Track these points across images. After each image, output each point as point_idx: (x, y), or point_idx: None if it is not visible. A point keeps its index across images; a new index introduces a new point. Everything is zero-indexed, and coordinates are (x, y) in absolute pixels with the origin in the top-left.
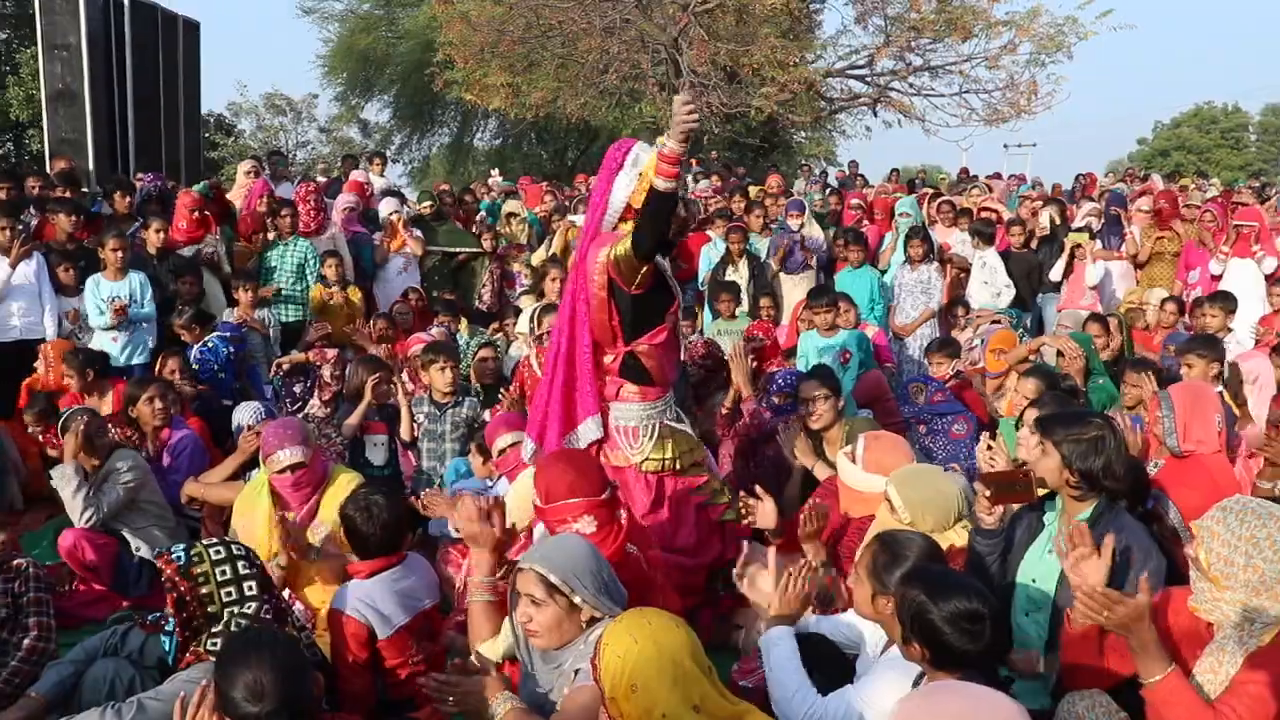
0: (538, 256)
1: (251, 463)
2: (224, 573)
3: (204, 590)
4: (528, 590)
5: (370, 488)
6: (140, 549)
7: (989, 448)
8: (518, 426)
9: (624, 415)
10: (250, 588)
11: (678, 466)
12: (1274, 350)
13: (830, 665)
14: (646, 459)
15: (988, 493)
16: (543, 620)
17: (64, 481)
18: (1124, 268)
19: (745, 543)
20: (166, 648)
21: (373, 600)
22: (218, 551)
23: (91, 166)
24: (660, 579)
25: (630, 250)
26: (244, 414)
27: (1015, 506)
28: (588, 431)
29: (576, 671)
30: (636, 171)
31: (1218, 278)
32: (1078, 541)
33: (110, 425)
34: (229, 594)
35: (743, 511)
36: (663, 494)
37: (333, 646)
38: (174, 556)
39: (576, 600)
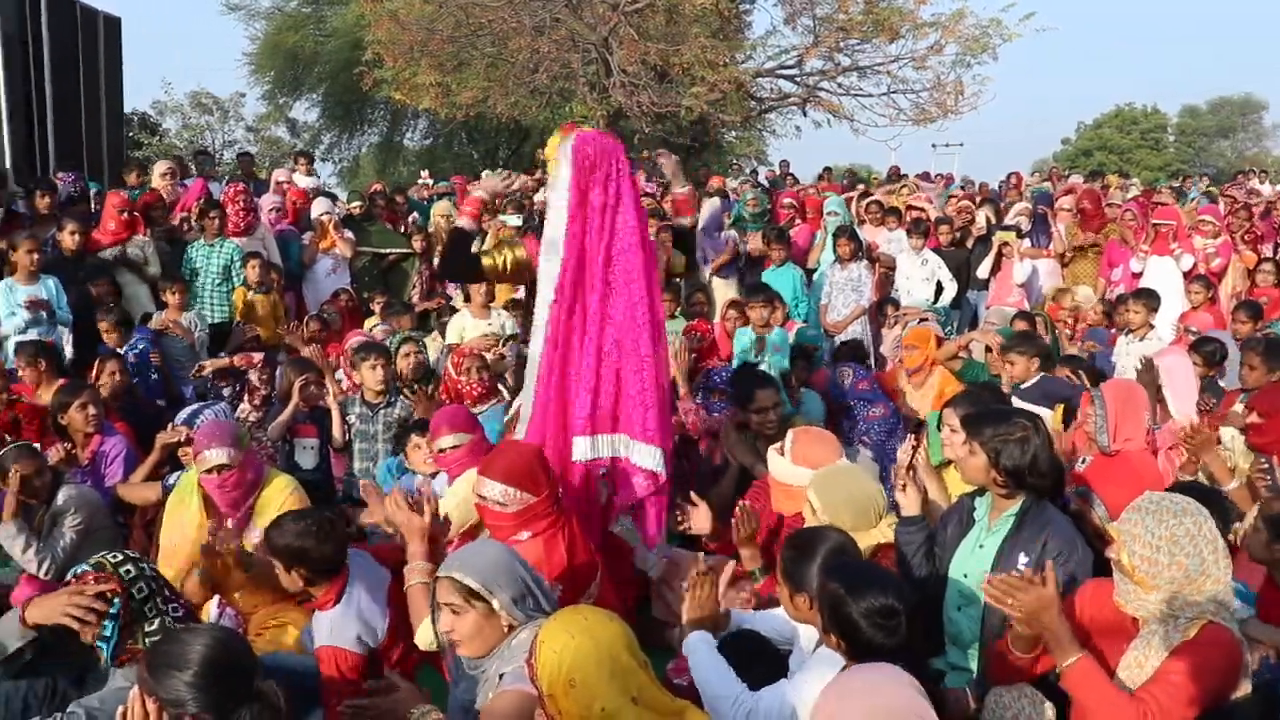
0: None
1: (174, 464)
2: (129, 571)
3: (126, 588)
4: (447, 600)
5: (296, 511)
6: None
7: (913, 448)
8: (458, 426)
9: None
10: (156, 584)
11: None
12: (1192, 347)
13: (764, 661)
14: None
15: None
16: (464, 628)
17: (10, 540)
18: (1051, 265)
19: (668, 553)
20: (106, 652)
21: (363, 619)
22: (114, 556)
23: (9, 165)
24: (602, 572)
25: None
26: (181, 416)
27: (936, 500)
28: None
29: (501, 676)
30: None
31: (1139, 275)
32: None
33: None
34: (140, 590)
35: (678, 518)
36: None
37: (325, 682)
38: (83, 570)
39: (494, 605)
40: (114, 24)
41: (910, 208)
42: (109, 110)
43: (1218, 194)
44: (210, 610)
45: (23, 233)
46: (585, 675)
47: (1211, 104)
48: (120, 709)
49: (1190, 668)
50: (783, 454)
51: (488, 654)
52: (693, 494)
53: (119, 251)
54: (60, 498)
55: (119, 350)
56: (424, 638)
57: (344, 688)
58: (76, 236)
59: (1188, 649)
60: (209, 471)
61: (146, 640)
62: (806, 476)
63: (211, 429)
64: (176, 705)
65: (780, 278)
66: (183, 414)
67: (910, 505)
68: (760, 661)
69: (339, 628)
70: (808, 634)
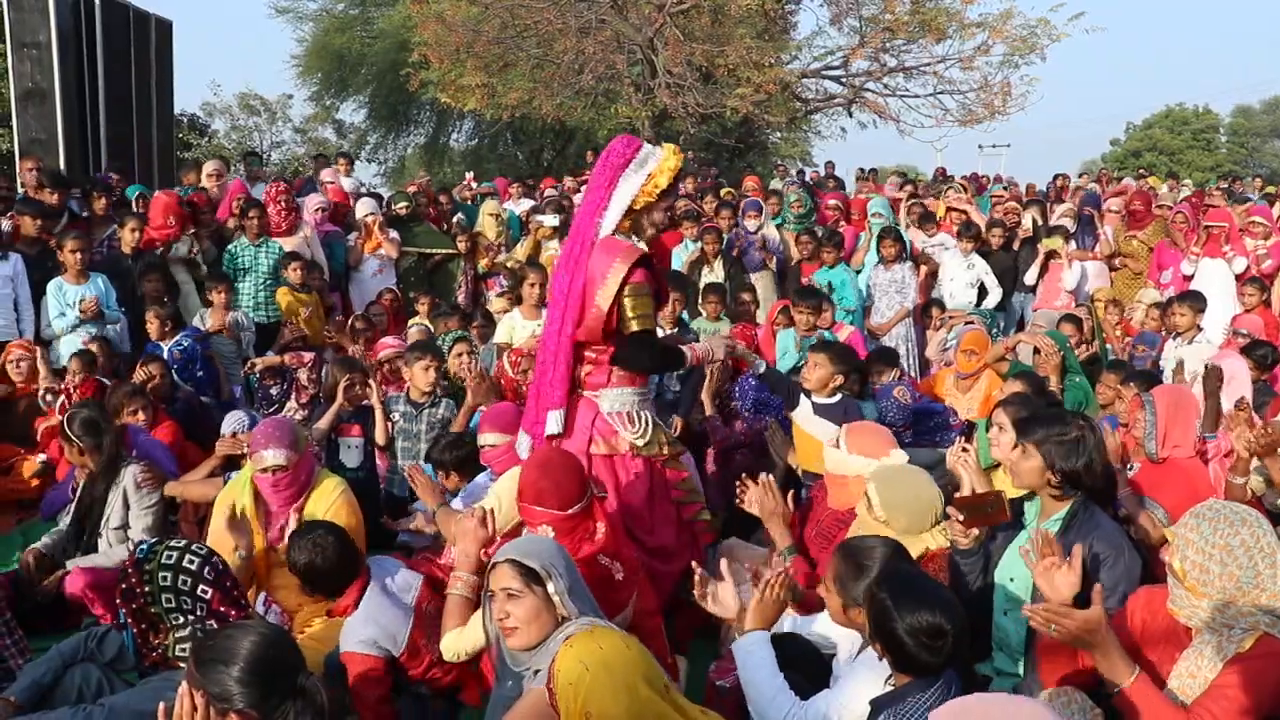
0: (514, 259)
1: (229, 465)
2: (165, 579)
3: (147, 589)
4: (504, 585)
5: (304, 530)
6: None
7: (964, 450)
8: (503, 426)
9: (618, 400)
10: (203, 592)
11: (666, 453)
12: (1243, 351)
13: (806, 665)
14: (646, 443)
15: (960, 517)
16: (520, 613)
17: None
18: (1098, 267)
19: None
20: (126, 643)
21: (378, 623)
22: (168, 554)
23: (62, 166)
24: (642, 582)
25: (639, 327)
26: (229, 423)
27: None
28: (550, 425)
29: (536, 672)
30: (645, 173)
31: (1189, 278)
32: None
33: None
34: (169, 601)
35: (739, 495)
36: (657, 483)
37: (353, 689)
38: (137, 548)
39: (550, 589)
40: (165, 26)
41: (951, 210)
42: (159, 111)
43: (1275, 195)
44: (257, 607)
45: (69, 232)
46: (603, 708)
47: (1266, 104)
48: (163, 705)
49: (1244, 682)
50: (837, 446)
51: (537, 647)
52: (761, 476)
53: (172, 251)
54: (132, 476)
55: (163, 347)
56: (450, 647)
57: (369, 692)
58: (137, 234)
59: (1242, 662)
60: (264, 470)
61: (177, 648)
62: (863, 464)
63: (271, 428)
64: (223, 700)
65: (836, 275)
66: (231, 424)
67: (969, 543)
68: (802, 665)
69: (353, 632)
70: (849, 638)
